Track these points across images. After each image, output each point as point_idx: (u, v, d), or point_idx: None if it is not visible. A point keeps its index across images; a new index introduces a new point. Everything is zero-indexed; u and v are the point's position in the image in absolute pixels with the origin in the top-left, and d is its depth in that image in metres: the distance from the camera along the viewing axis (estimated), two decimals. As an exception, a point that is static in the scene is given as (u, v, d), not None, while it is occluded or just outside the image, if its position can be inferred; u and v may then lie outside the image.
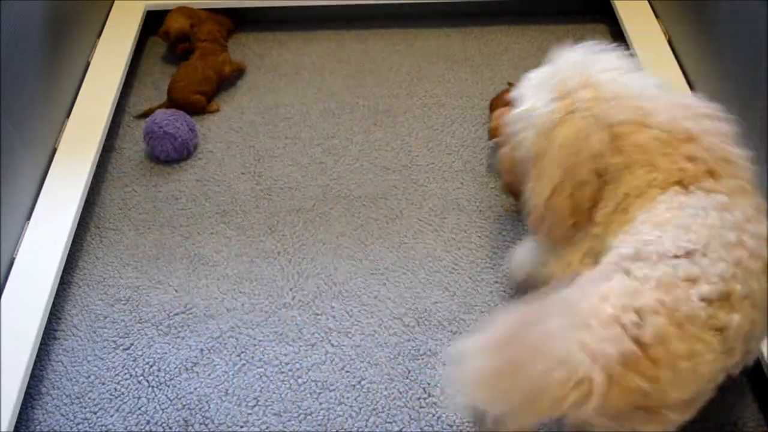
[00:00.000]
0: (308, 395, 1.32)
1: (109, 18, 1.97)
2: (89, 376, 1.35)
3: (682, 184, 0.96)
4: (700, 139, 0.98)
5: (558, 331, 0.79)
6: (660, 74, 1.75)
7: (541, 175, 1.08)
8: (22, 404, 1.28)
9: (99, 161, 1.67)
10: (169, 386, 1.34)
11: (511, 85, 1.76)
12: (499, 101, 1.72)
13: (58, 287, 1.44)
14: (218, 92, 1.90)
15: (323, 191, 1.66)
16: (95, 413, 1.30)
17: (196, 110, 1.83)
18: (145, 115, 1.83)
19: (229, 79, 1.93)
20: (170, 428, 1.28)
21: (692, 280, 0.84)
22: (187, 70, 1.84)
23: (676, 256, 0.86)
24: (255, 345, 1.39)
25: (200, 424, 1.28)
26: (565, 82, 1.07)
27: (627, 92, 1.04)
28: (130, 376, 1.35)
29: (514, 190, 1.50)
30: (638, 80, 1.07)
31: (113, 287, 1.49)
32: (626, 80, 1.06)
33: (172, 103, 1.82)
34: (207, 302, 1.46)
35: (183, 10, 1.96)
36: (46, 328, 1.39)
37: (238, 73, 1.96)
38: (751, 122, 1.44)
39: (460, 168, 1.70)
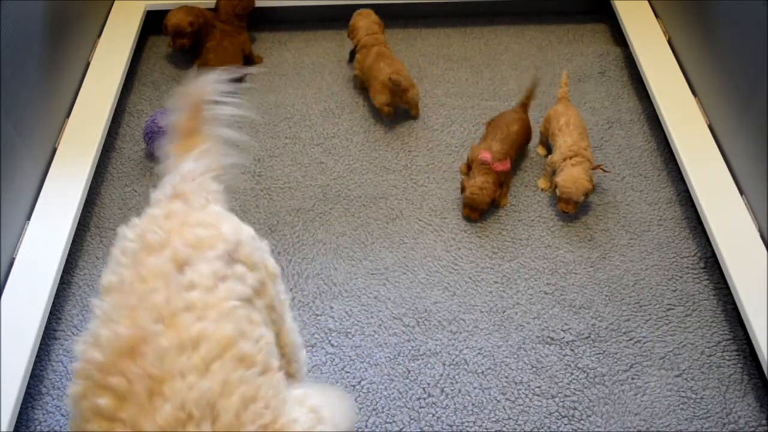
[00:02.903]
0: (308, 395, 1.32)
1: (109, 18, 1.97)
2: (89, 376, 1.35)
3: None
4: None
5: None
6: (660, 74, 1.76)
7: None
8: (22, 404, 1.28)
9: (99, 161, 1.67)
10: (169, 386, 1.33)
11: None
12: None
13: (58, 287, 1.43)
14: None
15: (323, 191, 1.66)
16: (95, 413, 1.30)
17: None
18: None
19: (251, 59, 1.99)
20: (170, 428, 1.27)
21: None
22: (216, 50, 1.90)
23: None
24: (255, 345, 1.39)
25: (200, 424, 1.28)
26: None
27: None
28: (130, 376, 1.35)
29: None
30: None
31: (113, 287, 1.49)
32: None
33: None
34: (207, 302, 1.46)
35: (186, 8, 1.97)
36: (46, 328, 1.39)
37: (254, 61, 2.01)
38: (751, 122, 1.44)
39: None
